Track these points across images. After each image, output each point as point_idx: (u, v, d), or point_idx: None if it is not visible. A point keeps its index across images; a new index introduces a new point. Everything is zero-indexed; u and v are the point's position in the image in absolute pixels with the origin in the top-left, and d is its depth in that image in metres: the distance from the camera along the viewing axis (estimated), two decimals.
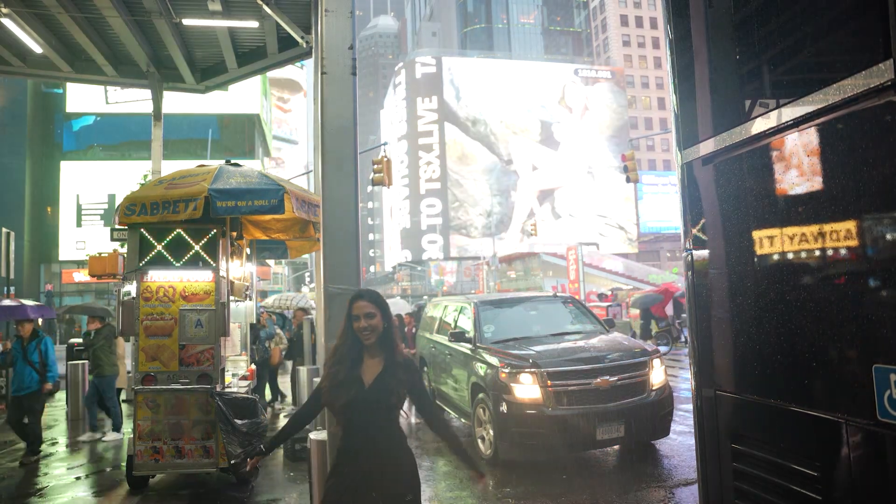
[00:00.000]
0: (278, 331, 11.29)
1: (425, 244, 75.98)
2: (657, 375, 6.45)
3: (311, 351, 11.31)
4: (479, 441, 6.73)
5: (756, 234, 2.33)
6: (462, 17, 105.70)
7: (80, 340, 12.75)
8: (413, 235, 76.52)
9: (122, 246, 12.63)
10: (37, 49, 10.98)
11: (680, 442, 7.07)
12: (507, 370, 6.27)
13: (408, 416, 11.73)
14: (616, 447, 6.86)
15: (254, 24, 10.39)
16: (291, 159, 52.25)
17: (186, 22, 10.31)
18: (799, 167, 2.13)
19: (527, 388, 6.07)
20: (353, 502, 2.63)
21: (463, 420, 7.78)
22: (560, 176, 77.18)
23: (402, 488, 2.68)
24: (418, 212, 76.40)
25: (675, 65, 2.86)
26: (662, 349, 16.52)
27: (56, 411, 10.93)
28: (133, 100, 30.38)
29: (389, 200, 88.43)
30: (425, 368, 9.95)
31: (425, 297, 43.78)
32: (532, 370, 6.10)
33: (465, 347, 7.54)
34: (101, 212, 31.37)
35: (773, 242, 2.23)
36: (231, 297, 6.51)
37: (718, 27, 2.62)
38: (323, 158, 3.54)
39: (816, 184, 2.03)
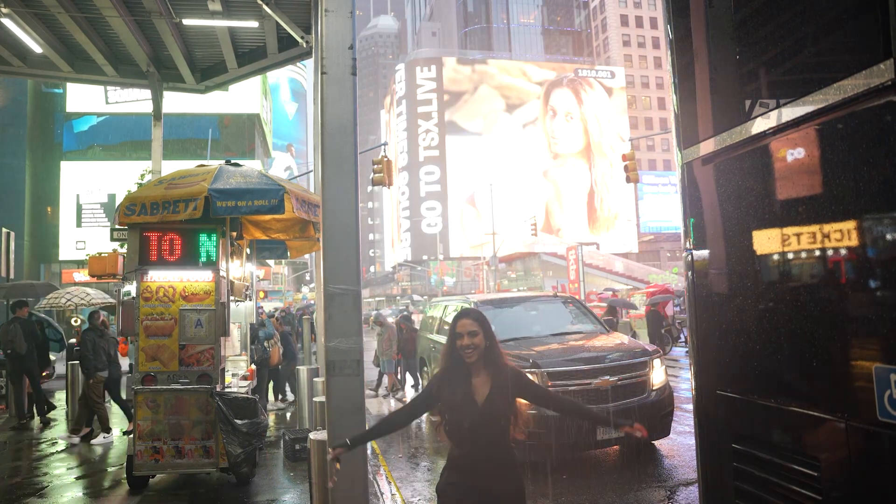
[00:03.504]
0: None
1: (424, 211, 76.92)
2: (658, 375, 6.45)
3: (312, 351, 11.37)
4: None
5: (756, 234, 2.33)
6: (462, 17, 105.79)
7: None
8: (413, 256, 77.17)
9: (122, 246, 12.63)
10: (37, 49, 10.97)
11: (680, 442, 7.07)
12: None
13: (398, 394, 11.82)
14: (616, 447, 6.86)
15: (254, 24, 10.39)
16: None
17: (186, 22, 10.31)
18: (799, 167, 2.13)
19: None
20: None
21: None
22: (562, 176, 77.28)
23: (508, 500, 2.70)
24: (417, 179, 77.18)
25: (676, 65, 2.86)
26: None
27: (56, 412, 10.93)
28: (133, 100, 30.38)
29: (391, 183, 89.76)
30: (426, 368, 9.95)
31: (408, 305, 43.97)
32: (532, 370, 6.10)
33: None
34: (102, 212, 31.35)
35: (774, 242, 2.23)
36: (231, 297, 6.51)
37: (718, 27, 2.62)
38: (323, 158, 3.53)
39: (816, 184, 2.03)
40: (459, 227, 75.76)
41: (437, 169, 77.02)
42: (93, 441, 8.33)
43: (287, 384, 11.50)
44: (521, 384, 2.79)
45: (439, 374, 2.84)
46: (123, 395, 9.49)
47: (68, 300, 10.72)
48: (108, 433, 8.47)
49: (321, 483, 3.86)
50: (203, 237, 6.04)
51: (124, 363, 11.81)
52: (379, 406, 11.17)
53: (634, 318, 20.65)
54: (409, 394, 11.99)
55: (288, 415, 10.35)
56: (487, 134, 76.99)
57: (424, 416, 9.71)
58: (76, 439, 8.30)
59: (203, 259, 6.01)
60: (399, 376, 12.23)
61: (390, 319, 17.36)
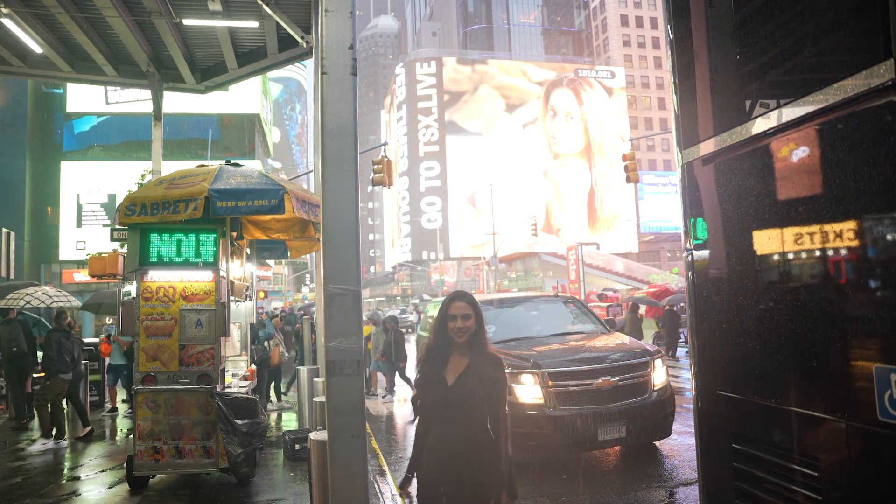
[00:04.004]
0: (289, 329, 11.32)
1: (424, 206, 77.14)
2: (659, 376, 6.45)
3: (312, 351, 11.36)
4: None
5: (756, 234, 2.33)
6: (462, 17, 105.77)
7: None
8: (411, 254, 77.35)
9: (122, 246, 12.64)
10: (37, 49, 10.97)
11: (681, 442, 7.07)
12: (508, 370, 6.26)
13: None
14: (617, 447, 6.86)
15: (254, 24, 10.39)
16: None
17: (186, 22, 10.31)
18: (799, 167, 2.13)
19: (528, 389, 6.07)
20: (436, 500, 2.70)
21: None
22: (562, 176, 77.31)
23: (482, 492, 2.70)
24: (417, 175, 77.64)
25: (676, 65, 2.86)
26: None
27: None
28: (133, 100, 30.37)
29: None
30: None
31: (416, 305, 44.28)
32: (533, 370, 6.09)
33: None
34: (102, 212, 31.36)
35: (774, 242, 2.23)
36: (231, 297, 6.51)
37: (718, 27, 2.62)
38: (323, 158, 3.53)
39: (816, 184, 2.03)
40: (459, 227, 75.79)
41: (437, 164, 77.25)
42: (40, 447, 8.01)
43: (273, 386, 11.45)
44: (497, 378, 2.77)
45: (423, 356, 2.87)
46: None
47: (28, 301, 10.43)
48: (48, 439, 8.16)
49: (321, 483, 3.86)
50: (203, 237, 6.04)
51: (107, 363, 11.57)
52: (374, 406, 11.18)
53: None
54: (398, 394, 11.96)
55: (275, 415, 10.35)
56: (487, 134, 77.02)
57: None
58: (64, 442, 8.15)
59: (203, 259, 6.01)
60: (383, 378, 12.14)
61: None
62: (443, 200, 76.56)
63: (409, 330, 39.17)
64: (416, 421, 2.92)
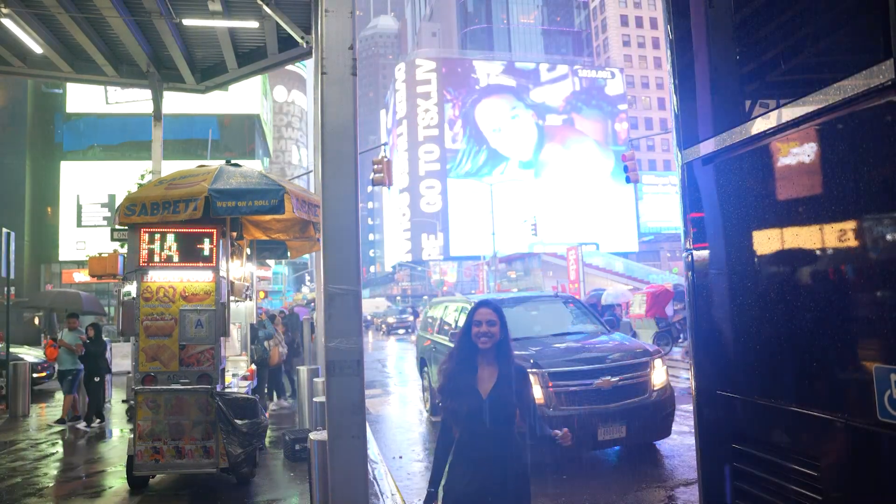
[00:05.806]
0: (277, 331, 11.31)
1: (423, 190, 76.99)
2: (658, 376, 6.45)
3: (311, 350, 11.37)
4: None
5: (756, 234, 2.33)
6: (462, 17, 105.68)
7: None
8: (412, 237, 77.19)
9: (122, 246, 12.65)
10: (37, 49, 10.98)
11: (681, 442, 7.07)
12: None
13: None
14: (617, 447, 6.86)
15: (254, 24, 10.40)
16: None
17: (186, 22, 10.31)
18: (799, 167, 2.13)
19: None
20: None
21: None
22: (561, 175, 77.33)
23: (513, 499, 2.71)
24: (416, 159, 77.58)
25: (675, 65, 2.86)
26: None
27: (56, 411, 10.93)
28: (133, 100, 30.27)
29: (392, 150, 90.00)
30: (425, 368, 9.95)
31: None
32: (533, 370, 6.09)
33: None
34: (103, 211, 31.37)
35: (773, 243, 2.23)
36: (231, 298, 6.51)
37: (718, 27, 2.62)
38: (323, 158, 3.53)
39: (816, 184, 2.03)
40: (459, 227, 75.71)
41: (436, 148, 77.07)
42: None
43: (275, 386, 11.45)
44: (524, 388, 2.82)
45: (449, 364, 2.86)
46: None
47: None
48: None
49: (321, 483, 3.86)
50: (203, 237, 6.04)
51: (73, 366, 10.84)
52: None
53: (634, 318, 20.58)
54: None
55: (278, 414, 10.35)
56: (487, 134, 77.01)
57: (425, 416, 9.72)
58: None
59: (203, 259, 6.01)
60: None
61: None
62: (442, 183, 76.24)
63: (409, 330, 39.28)
64: (440, 431, 2.87)
